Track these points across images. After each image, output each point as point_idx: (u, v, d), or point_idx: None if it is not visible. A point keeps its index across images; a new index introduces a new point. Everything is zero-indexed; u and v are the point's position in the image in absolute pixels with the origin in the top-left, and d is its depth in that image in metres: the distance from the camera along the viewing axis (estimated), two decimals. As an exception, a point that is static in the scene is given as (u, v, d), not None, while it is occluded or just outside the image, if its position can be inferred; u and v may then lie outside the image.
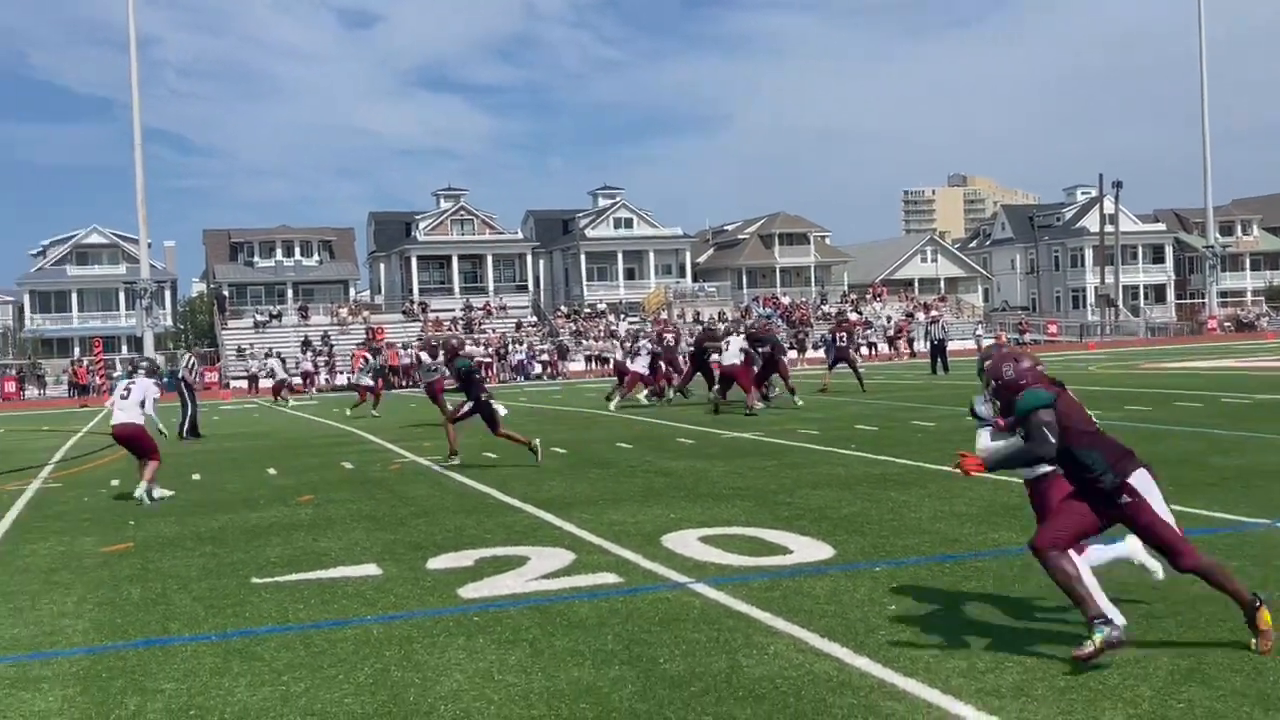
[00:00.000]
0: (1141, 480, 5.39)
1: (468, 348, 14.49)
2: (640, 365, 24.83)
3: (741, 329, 33.22)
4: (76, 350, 74.05)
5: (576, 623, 6.36)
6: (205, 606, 7.24)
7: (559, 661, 5.65)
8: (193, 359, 25.96)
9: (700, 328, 39.24)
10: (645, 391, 24.84)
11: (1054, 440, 5.38)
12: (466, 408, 14.63)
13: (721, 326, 41.47)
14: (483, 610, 6.74)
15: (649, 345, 26.17)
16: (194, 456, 17.62)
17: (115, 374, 50.97)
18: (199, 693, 5.43)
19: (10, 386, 55.59)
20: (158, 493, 12.65)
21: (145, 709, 5.23)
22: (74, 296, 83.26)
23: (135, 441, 12.94)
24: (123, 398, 13.22)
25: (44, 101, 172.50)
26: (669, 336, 27.99)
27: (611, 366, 34.16)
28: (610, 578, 7.47)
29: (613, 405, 24.04)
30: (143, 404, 13.11)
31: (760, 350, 22.62)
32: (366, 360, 32.50)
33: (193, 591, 7.70)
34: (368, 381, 28.56)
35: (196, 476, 14.76)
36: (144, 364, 15.16)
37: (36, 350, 75.32)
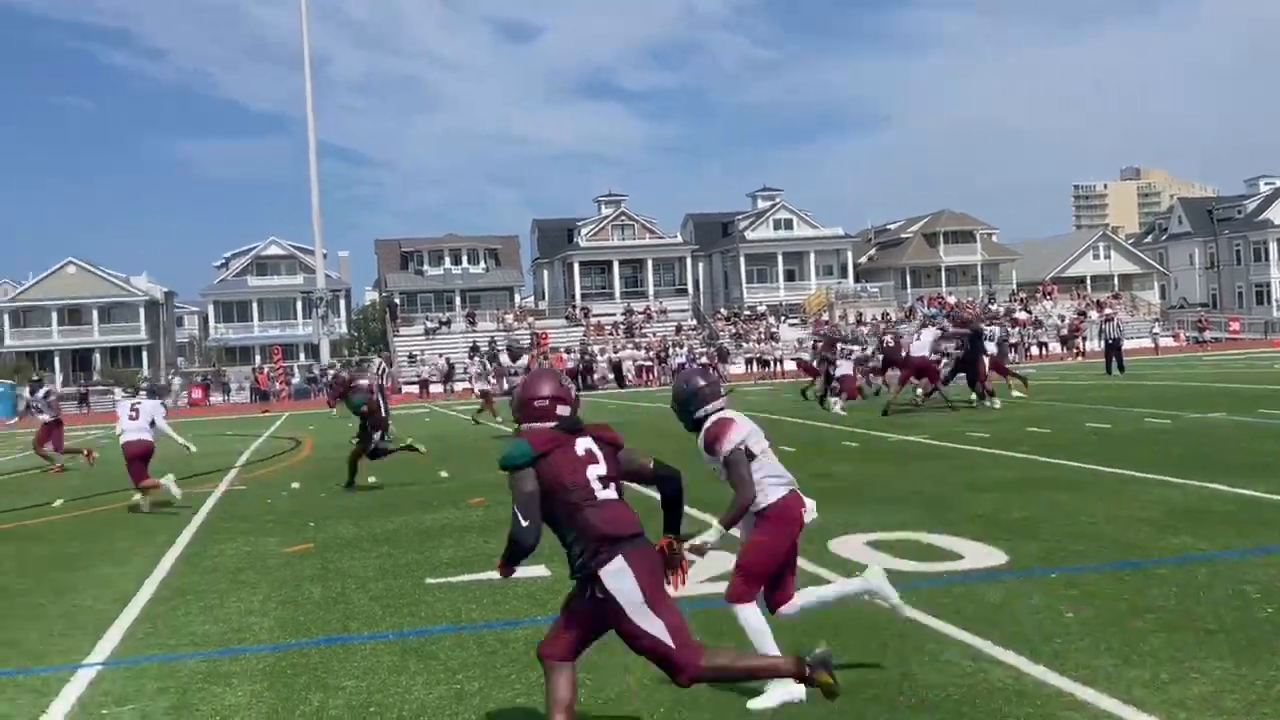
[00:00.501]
0: (615, 574, 4.34)
1: (360, 382, 14.18)
2: (846, 368, 23.72)
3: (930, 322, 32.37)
4: (257, 358, 77.19)
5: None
6: (382, 606, 7.46)
7: (727, 665, 5.64)
8: (383, 364, 26.74)
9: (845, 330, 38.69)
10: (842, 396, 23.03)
11: (526, 522, 4.43)
12: (374, 439, 15.05)
13: (864, 329, 40.80)
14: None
15: (856, 350, 25.00)
16: (373, 461, 18.15)
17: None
18: (378, 690, 5.60)
19: (197, 393, 58.38)
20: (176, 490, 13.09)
21: (328, 705, 5.42)
22: (254, 306, 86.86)
23: (146, 458, 13.47)
24: (131, 418, 13.68)
25: (225, 119, 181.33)
26: (888, 338, 26.80)
27: (799, 367, 33.58)
28: (777, 582, 7.43)
29: (838, 407, 22.23)
30: (152, 423, 13.65)
31: (956, 341, 22.20)
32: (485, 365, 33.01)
33: (370, 591, 7.95)
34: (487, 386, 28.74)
35: (372, 479, 15.22)
36: (145, 384, 15.85)
37: (220, 358, 78.94)
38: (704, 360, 54.17)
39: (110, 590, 8.50)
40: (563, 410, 4.66)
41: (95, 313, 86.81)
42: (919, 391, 21.70)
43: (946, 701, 4.94)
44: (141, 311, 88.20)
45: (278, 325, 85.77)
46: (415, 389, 52.90)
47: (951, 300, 71.92)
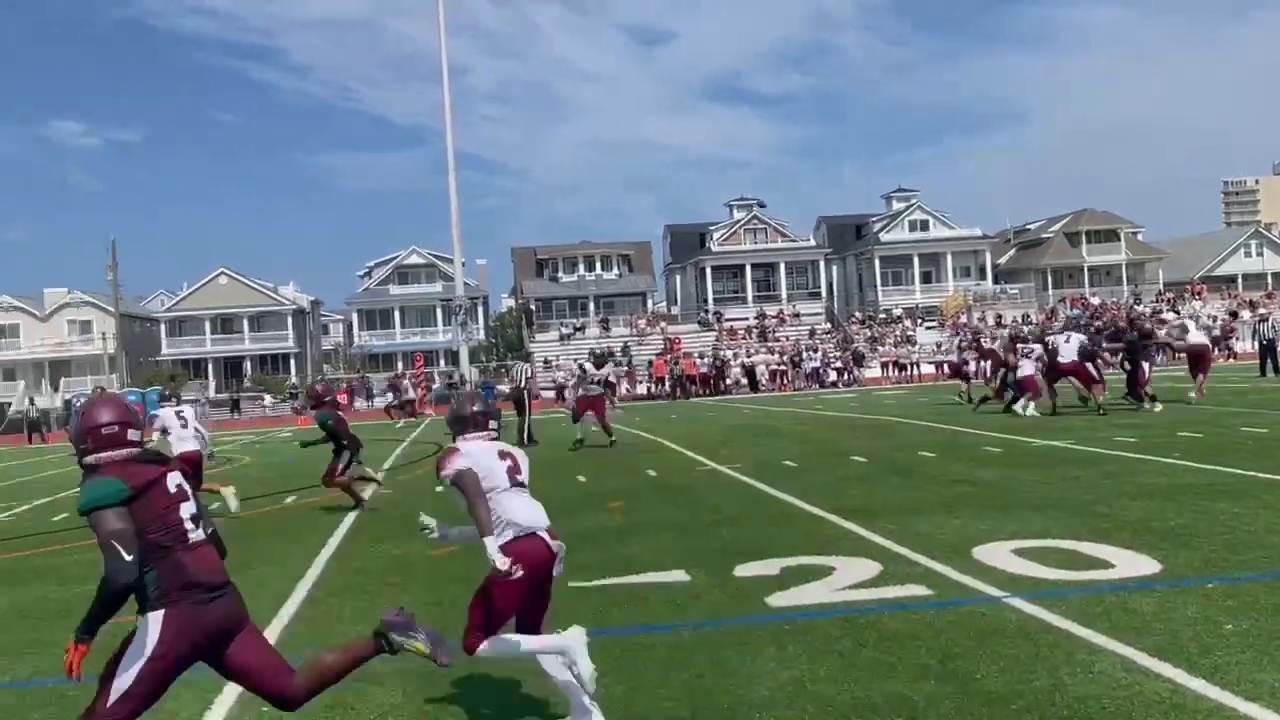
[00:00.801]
0: (155, 625, 4.18)
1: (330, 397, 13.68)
2: (1029, 368, 22.88)
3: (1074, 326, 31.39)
4: (399, 364, 79.01)
5: (887, 635, 6.29)
6: (526, 609, 7.58)
7: (871, 673, 5.61)
8: (527, 368, 27.12)
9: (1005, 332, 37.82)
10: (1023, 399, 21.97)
11: (129, 556, 4.04)
12: (341, 463, 14.12)
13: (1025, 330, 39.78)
14: (791, 619, 6.76)
15: (1037, 349, 24.08)
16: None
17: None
18: (522, 692, 5.70)
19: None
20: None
21: (475, 707, 5.54)
22: (396, 314, 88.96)
23: (199, 466, 13.92)
24: (182, 426, 13.99)
25: (367, 132, 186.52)
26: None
27: (947, 370, 32.59)
28: (919, 589, 7.34)
29: (1027, 410, 21.34)
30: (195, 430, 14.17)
31: (1119, 345, 21.64)
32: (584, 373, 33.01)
33: (514, 594, 8.08)
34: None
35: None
36: (167, 390, 16.18)
37: (364, 364, 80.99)
38: (839, 365, 53.66)
39: (267, 590, 8.80)
40: (133, 435, 4.34)
41: (246, 321, 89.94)
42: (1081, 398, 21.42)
43: (1100, 714, 4.83)
44: (289, 320, 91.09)
45: (418, 332, 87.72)
46: (552, 394, 53.55)
47: (1095, 301, 69.93)
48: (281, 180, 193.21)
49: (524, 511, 5.47)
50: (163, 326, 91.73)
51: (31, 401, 49.95)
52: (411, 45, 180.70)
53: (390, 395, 43.84)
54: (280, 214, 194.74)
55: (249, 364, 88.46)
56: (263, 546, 11.20)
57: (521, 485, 5.57)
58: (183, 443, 13.83)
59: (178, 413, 14.27)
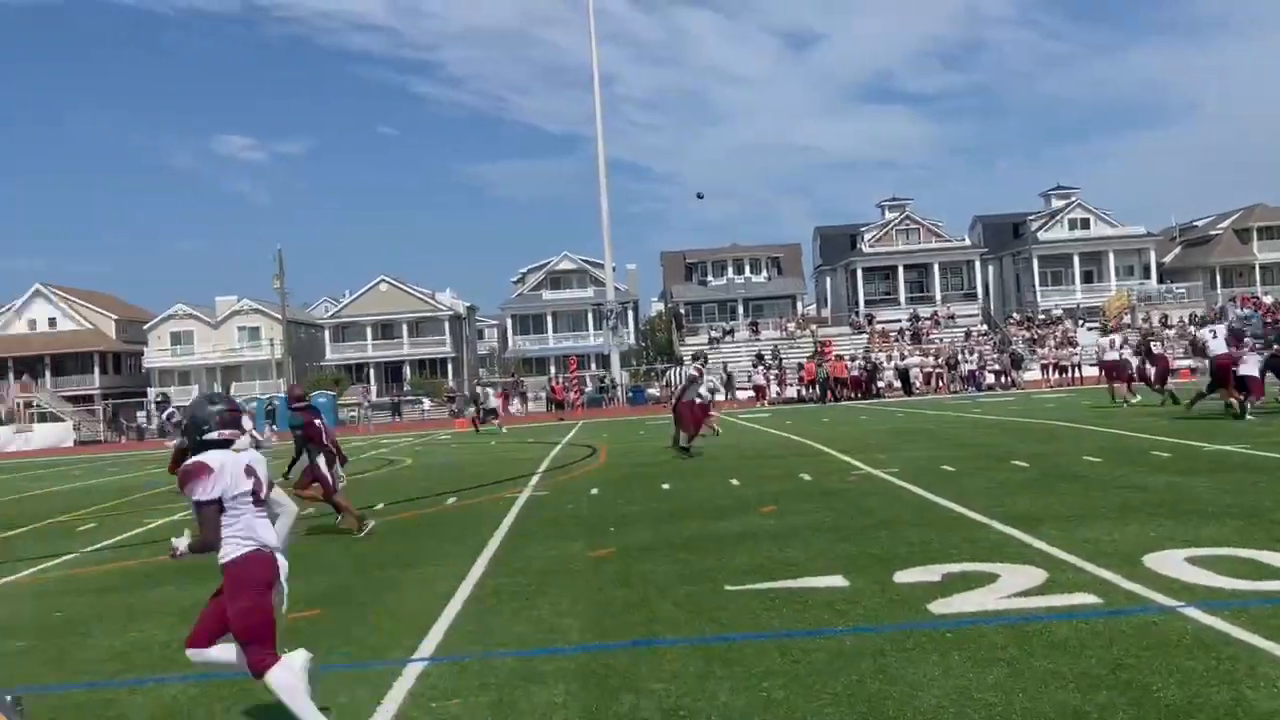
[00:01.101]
0: None
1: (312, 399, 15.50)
2: (1252, 367, 21.69)
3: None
4: (552, 368, 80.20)
5: (1055, 643, 6.14)
6: (684, 611, 7.62)
7: (1040, 683, 5.48)
8: (693, 372, 26.98)
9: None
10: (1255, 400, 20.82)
11: None
12: (312, 468, 13.40)
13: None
14: (955, 626, 6.65)
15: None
16: (664, 467, 18.56)
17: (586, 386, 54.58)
18: (686, 694, 5.73)
19: (499, 401, 61.08)
20: None
21: (639, 707, 5.59)
22: (549, 318, 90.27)
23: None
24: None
25: (520, 141, 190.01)
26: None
27: (1103, 374, 31.25)
28: (1088, 598, 7.14)
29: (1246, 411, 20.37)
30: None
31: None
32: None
33: (671, 596, 8.13)
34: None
35: (666, 486, 15.55)
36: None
37: (519, 368, 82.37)
38: (996, 368, 52.38)
39: (431, 589, 9.04)
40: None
41: (405, 327, 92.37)
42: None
43: (1286, 731, 4.63)
44: (446, 325, 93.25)
45: (570, 336, 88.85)
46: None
47: (1268, 300, 66.85)
48: (438, 189, 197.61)
49: (259, 524, 5.46)
50: (327, 332, 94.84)
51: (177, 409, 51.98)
52: (564, 55, 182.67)
53: (471, 408, 44.44)
54: (437, 222, 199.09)
55: (408, 368, 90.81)
56: (426, 547, 11.50)
57: (263, 503, 5.55)
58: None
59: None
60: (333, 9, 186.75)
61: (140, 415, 65.82)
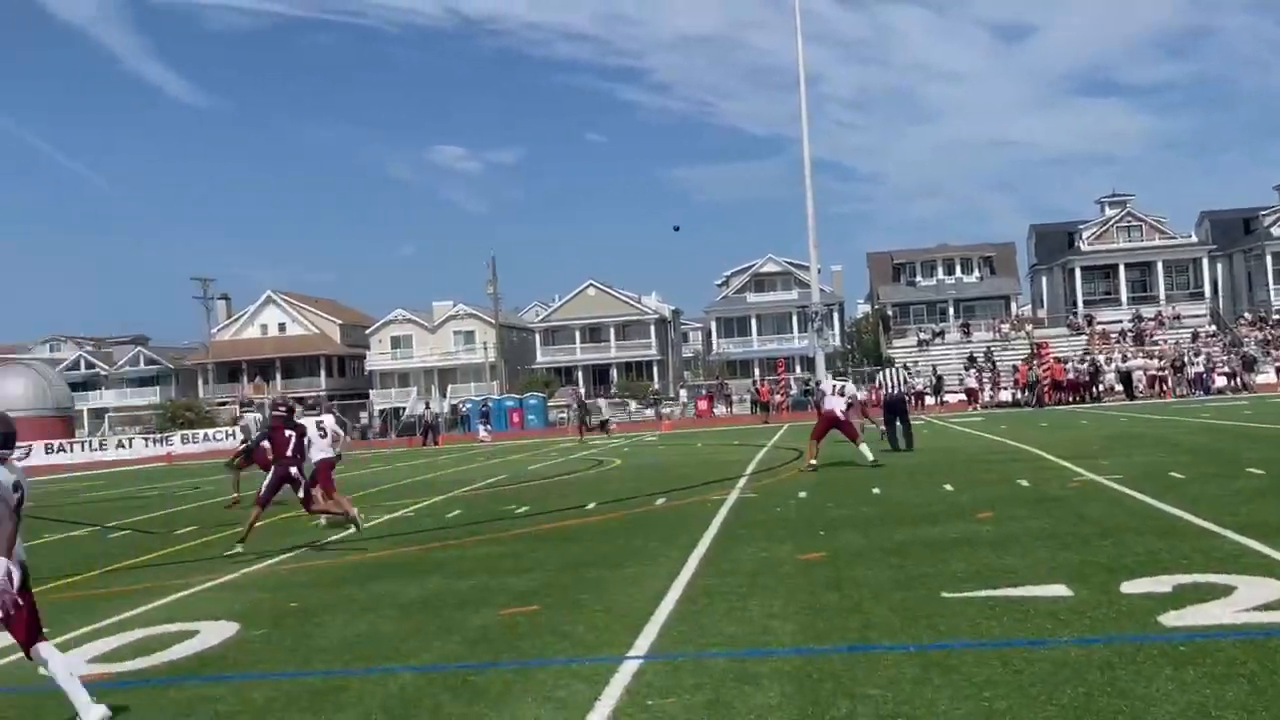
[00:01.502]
0: None
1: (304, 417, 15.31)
2: None
3: None
4: (756, 371, 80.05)
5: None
6: (900, 617, 7.49)
7: (1286, 703, 5.16)
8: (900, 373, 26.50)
9: None
10: None
11: None
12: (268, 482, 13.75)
13: None
14: (1188, 640, 6.33)
15: None
16: (873, 471, 18.29)
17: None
18: (904, 701, 5.62)
19: (703, 404, 61.49)
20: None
21: (856, 712, 5.52)
22: (753, 321, 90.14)
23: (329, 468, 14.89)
24: (321, 435, 14.92)
25: (724, 144, 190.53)
26: None
27: None
28: (1338, 614, 6.69)
29: None
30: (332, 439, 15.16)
31: None
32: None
33: (886, 602, 8.00)
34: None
35: (876, 490, 15.32)
36: (313, 404, 17.10)
37: (723, 371, 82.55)
38: (1227, 370, 49.66)
39: (642, 589, 9.14)
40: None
41: (612, 330, 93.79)
42: None
43: None
44: (652, 329, 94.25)
45: (774, 339, 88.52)
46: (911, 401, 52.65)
47: None
48: (643, 194, 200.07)
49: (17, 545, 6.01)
50: (537, 336, 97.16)
51: (428, 406, 54.05)
52: (769, 57, 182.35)
53: (588, 417, 44.45)
54: (642, 226, 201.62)
55: (615, 371, 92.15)
56: (636, 546, 11.64)
57: (19, 517, 6.03)
58: (320, 451, 14.83)
59: (318, 423, 15.50)
60: (542, 20, 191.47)
61: (363, 416, 68.75)
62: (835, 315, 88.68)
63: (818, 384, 21.25)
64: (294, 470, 13.77)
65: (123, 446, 58.19)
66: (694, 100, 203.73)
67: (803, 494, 15.56)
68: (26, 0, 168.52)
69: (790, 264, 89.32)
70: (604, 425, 45.77)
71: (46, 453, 53.81)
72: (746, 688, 6.07)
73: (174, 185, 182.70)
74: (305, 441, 14.18)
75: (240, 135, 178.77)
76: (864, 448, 19.41)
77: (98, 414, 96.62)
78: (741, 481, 18.24)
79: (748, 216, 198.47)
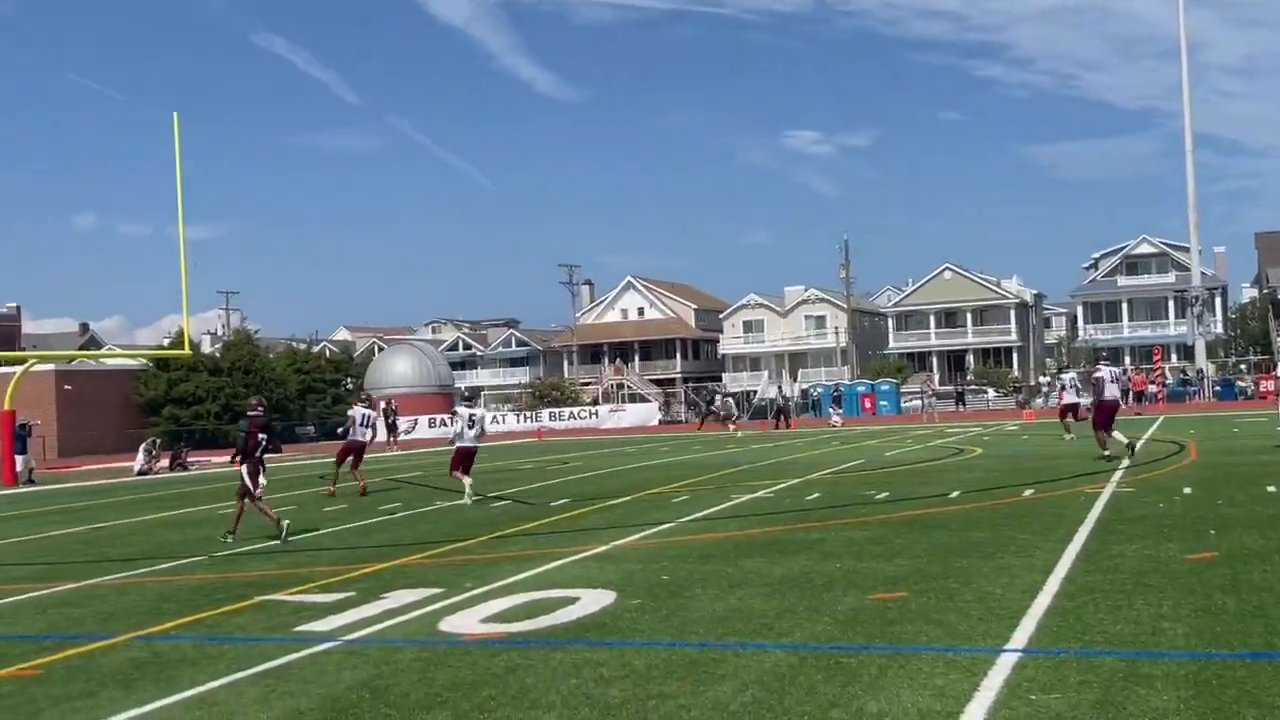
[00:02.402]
0: None
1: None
2: None
3: None
4: (1126, 358, 75.62)
5: None
6: (1311, 626, 6.89)
7: None
8: None
9: None
10: None
11: None
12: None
13: None
14: None
15: None
16: (1267, 467, 16.89)
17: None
18: (1322, 716, 5.17)
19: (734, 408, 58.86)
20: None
21: (1265, 723, 5.13)
22: (1124, 306, 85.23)
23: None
24: (469, 427, 18.36)
25: (1090, 119, 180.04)
26: None
27: None
28: None
29: None
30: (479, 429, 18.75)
31: None
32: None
33: (1293, 608, 7.38)
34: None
35: (1271, 489, 14.16)
36: (465, 394, 20.58)
37: (1089, 359, 78.46)
38: None
39: (1016, 580, 8.85)
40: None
41: (969, 315, 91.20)
42: None
43: None
44: (1012, 313, 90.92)
45: (1147, 325, 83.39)
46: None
47: None
48: (1002, 174, 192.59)
49: None
50: (890, 320, 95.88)
51: (779, 390, 54.57)
52: (1143, 25, 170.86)
53: (714, 408, 43.82)
54: (1001, 207, 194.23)
55: (971, 357, 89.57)
56: (1006, 537, 11.27)
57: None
58: (465, 442, 18.44)
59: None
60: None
61: (716, 400, 70.09)
62: (1217, 300, 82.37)
63: (1094, 370, 20.79)
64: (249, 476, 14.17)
65: (497, 422, 62.00)
66: (1057, 74, 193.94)
67: (1187, 490, 14.59)
68: (411, 3, 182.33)
69: (1166, 245, 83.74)
70: (722, 419, 46.46)
71: (429, 426, 58.06)
72: (1139, 689, 5.76)
73: (542, 176, 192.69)
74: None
75: (603, 127, 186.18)
76: (1118, 434, 19.51)
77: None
78: (1117, 475, 17.28)
79: (1116, 195, 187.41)
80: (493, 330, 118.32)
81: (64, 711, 6.39)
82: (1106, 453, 19.14)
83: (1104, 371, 20.50)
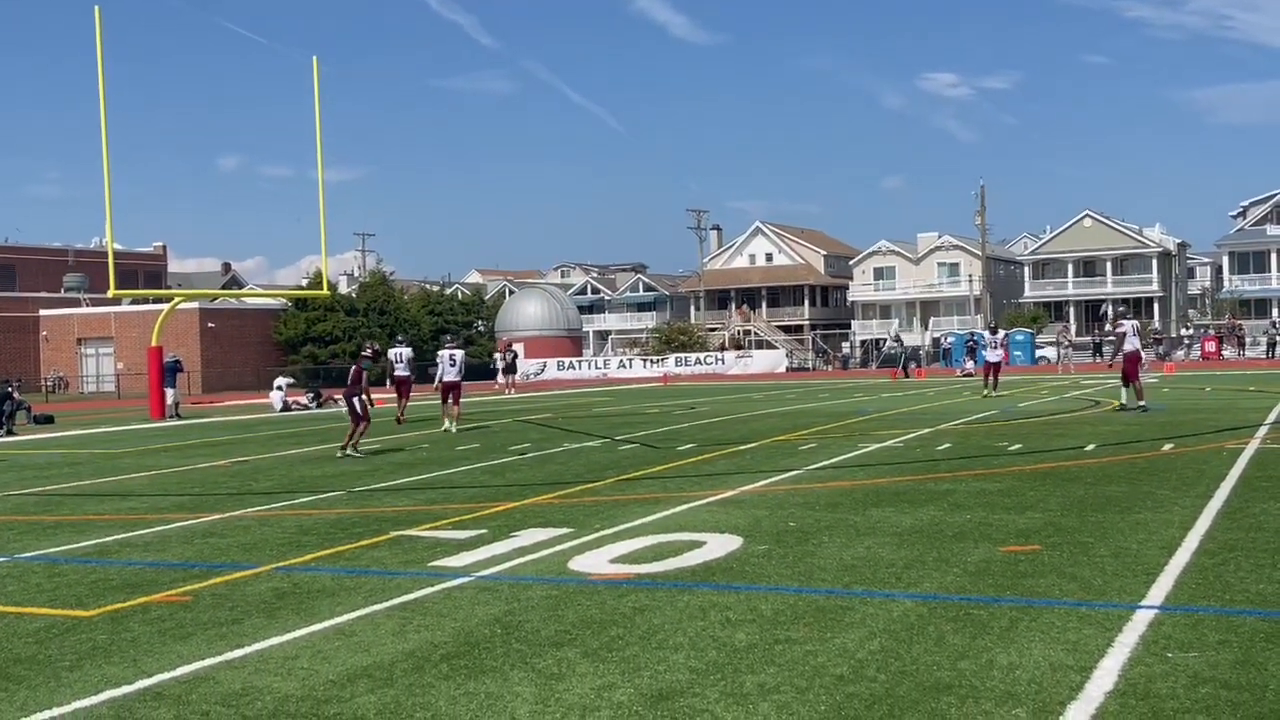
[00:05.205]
0: None
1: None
2: None
3: None
4: (1274, 310, 72.72)
5: None
6: None
7: None
8: None
9: None
10: None
11: None
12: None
13: None
14: None
15: None
16: None
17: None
18: None
19: (1210, 346, 56.81)
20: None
21: None
22: (1273, 256, 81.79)
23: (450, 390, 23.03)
24: (397, 361, 25.25)
25: (1244, 62, 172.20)
26: None
27: None
28: None
29: None
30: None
31: None
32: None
33: None
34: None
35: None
36: (450, 339, 25.80)
37: (1234, 310, 75.63)
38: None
39: (1154, 536, 8.64)
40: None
41: (1109, 264, 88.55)
42: None
43: None
44: (1154, 263, 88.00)
45: (1298, 276, 79.86)
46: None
47: None
48: (1148, 119, 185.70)
49: None
50: (1026, 269, 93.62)
51: (897, 338, 53.95)
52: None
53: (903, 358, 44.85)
54: (1146, 154, 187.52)
55: (1110, 307, 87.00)
56: (1144, 492, 11.00)
57: None
58: (449, 376, 22.93)
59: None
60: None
61: (845, 346, 69.53)
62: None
63: (1116, 325, 21.83)
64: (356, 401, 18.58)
65: (624, 366, 62.46)
66: (1210, 14, 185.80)
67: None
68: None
69: (1322, 192, 79.91)
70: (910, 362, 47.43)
71: (558, 369, 58.76)
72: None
73: (673, 120, 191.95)
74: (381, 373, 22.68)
75: (734, 71, 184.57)
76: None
77: (601, 335, 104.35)
78: (1261, 431, 16.70)
79: (1269, 141, 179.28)
80: (621, 275, 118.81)
81: (211, 637, 6.67)
82: (1141, 403, 20.52)
83: (1126, 325, 21.86)
